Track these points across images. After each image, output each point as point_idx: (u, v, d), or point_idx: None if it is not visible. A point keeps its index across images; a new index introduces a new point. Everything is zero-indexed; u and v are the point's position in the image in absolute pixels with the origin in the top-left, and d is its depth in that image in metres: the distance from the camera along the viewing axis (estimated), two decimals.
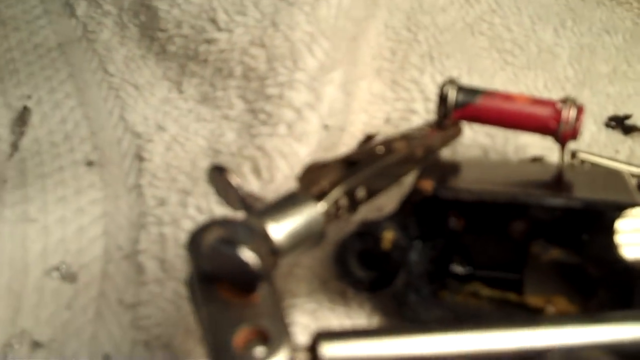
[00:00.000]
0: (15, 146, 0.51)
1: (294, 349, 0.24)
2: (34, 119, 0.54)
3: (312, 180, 0.32)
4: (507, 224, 0.35)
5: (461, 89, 0.39)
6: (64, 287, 0.42)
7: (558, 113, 0.37)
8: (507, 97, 0.39)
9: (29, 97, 0.56)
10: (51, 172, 0.49)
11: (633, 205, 0.31)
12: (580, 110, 0.38)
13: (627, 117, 0.52)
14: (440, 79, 0.48)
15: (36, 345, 0.39)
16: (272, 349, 0.23)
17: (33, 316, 0.40)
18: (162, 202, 0.44)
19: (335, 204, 0.31)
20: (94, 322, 0.40)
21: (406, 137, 0.38)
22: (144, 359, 0.37)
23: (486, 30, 0.57)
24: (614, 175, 0.38)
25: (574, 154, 0.42)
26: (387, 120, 0.50)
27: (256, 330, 0.24)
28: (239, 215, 0.28)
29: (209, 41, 0.51)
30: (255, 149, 0.43)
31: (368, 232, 0.34)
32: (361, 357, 0.26)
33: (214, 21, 0.51)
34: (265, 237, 0.26)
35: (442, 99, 0.39)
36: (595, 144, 0.50)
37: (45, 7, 0.67)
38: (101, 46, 0.59)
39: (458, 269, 0.37)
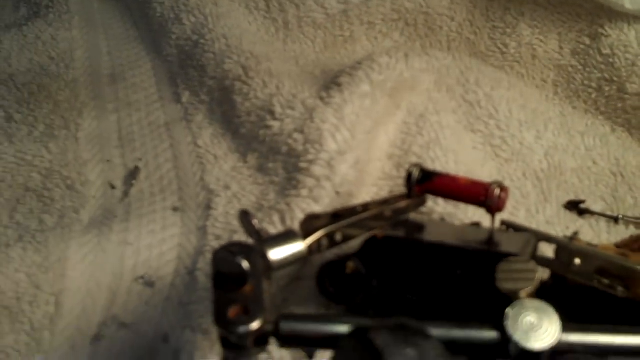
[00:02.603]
0: (126, 193, 0.72)
1: (266, 320, 0.40)
2: (142, 175, 0.75)
3: (308, 225, 0.49)
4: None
5: (422, 170, 0.53)
6: (145, 290, 0.60)
7: (487, 191, 0.51)
8: (454, 179, 0.53)
9: (140, 159, 0.78)
10: (148, 213, 0.69)
11: (508, 255, 0.46)
12: (504, 190, 0.51)
13: (582, 202, 0.65)
14: (431, 165, 0.65)
15: (122, 325, 0.57)
16: (250, 318, 0.39)
17: (123, 307, 0.59)
18: (217, 238, 0.62)
19: (318, 242, 0.46)
20: (161, 314, 0.58)
21: (384, 201, 0.54)
22: (191, 340, 0.54)
23: (483, 129, 0.72)
24: (523, 237, 0.52)
25: (502, 222, 0.56)
26: (391, 193, 0.66)
27: (243, 308, 0.40)
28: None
29: (267, 127, 0.71)
30: (284, 205, 0.61)
31: (338, 261, 0.51)
32: (309, 331, 0.42)
33: (272, 113, 0.71)
34: (264, 256, 0.43)
35: (408, 176, 0.53)
36: (553, 220, 0.64)
37: (160, 94, 0.89)
38: (195, 126, 0.80)
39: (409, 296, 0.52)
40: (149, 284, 0.61)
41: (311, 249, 0.45)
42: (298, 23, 0.94)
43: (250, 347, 0.39)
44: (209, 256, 0.60)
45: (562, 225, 0.63)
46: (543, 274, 0.49)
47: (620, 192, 0.67)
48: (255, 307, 0.39)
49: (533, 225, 0.61)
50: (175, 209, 0.70)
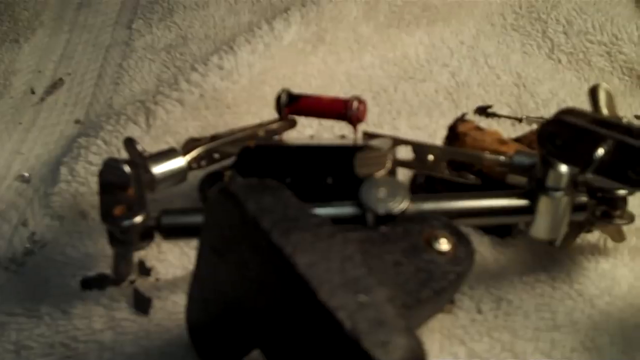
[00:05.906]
0: (42, 99, 0.76)
1: (148, 216, 0.44)
2: (64, 87, 0.78)
3: (189, 145, 0.53)
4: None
5: (289, 94, 0.56)
6: (22, 185, 0.64)
7: (347, 105, 0.54)
8: (317, 98, 0.56)
9: (69, 74, 0.80)
10: (51, 125, 0.72)
11: (361, 148, 0.50)
12: (362, 103, 0.54)
13: (489, 106, 0.71)
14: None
15: None
16: (133, 214, 0.44)
17: None
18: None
19: (197, 159, 0.52)
20: (26, 203, 0.61)
21: (258, 125, 0.57)
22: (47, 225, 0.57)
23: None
24: (382, 140, 0.53)
25: (364, 133, 0.57)
26: None
27: (127, 207, 0.44)
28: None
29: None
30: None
31: (217, 172, 0.54)
32: (188, 222, 0.45)
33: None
34: (148, 170, 0.48)
35: (277, 100, 0.56)
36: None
37: (117, 19, 0.90)
38: (130, 49, 0.81)
39: None
40: (26, 180, 0.64)
41: (190, 165, 0.51)
42: None
43: (136, 241, 0.44)
44: (76, 151, 0.62)
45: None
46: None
47: (524, 98, 0.72)
48: (138, 206, 0.45)
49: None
50: (77, 122, 0.72)
